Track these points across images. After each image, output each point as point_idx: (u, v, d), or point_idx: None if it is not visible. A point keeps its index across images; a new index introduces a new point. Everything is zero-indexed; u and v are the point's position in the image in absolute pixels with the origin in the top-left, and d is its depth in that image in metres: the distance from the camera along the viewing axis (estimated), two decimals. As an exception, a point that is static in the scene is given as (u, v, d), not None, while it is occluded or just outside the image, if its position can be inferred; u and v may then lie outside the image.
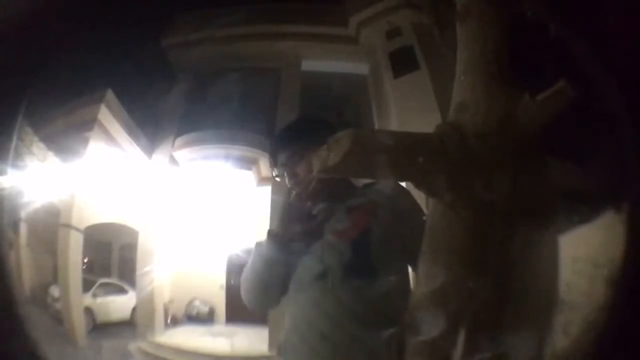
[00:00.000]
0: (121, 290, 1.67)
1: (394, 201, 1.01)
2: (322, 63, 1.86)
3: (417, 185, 0.79)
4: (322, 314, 0.95)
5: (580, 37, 0.75)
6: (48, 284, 1.43)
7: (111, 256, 1.72)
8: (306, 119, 1.24)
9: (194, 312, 1.73)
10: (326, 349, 0.93)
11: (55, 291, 1.44)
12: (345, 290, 0.94)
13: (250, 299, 1.07)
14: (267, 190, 1.68)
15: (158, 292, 1.66)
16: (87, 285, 1.61)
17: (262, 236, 1.12)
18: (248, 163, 1.81)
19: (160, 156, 1.84)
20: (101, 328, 1.61)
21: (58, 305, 1.43)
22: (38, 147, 1.24)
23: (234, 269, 1.69)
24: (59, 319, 1.42)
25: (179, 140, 1.85)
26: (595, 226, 0.79)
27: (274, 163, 1.14)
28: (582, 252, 0.80)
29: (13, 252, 1.16)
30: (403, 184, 1.05)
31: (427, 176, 0.75)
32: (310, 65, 1.84)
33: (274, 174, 1.13)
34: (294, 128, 1.17)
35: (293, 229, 1.02)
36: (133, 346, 1.53)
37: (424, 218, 0.85)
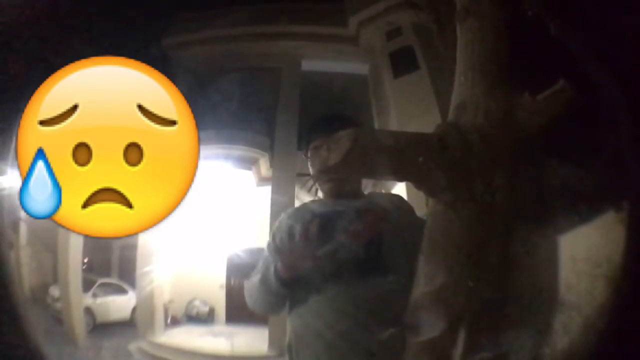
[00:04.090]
0: (121, 290, 1.67)
1: (399, 213, 1.03)
2: (322, 63, 1.86)
3: (417, 185, 0.79)
4: (340, 313, 0.95)
5: (580, 37, 0.75)
6: (48, 284, 1.43)
7: (111, 256, 1.72)
8: (346, 117, 1.25)
9: (194, 312, 1.72)
10: (345, 347, 0.93)
11: (55, 291, 1.43)
12: (361, 287, 0.95)
13: (257, 310, 1.10)
14: (267, 190, 1.68)
15: (158, 292, 1.66)
16: (87, 285, 1.60)
17: (262, 237, 1.12)
18: (248, 163, 1.80)
19: (160, 156, 1.84)
20: (101, 328, 1.60)
21: (58, 305, 1.42)
22: (38, 147, 1.24)
23: (234, 269, 1.69)
24: (59, 319, 1.42)
25: (179, 140, 1.85)
26: (595, 226, 0.79)
27: (305, 146, 1.16)
28: (582, 252, 0.80)
29: (13, 252, 1.16)
30: (401, 185, 1.06)
31: (427, 176, 0.75)
32: (310, 65, 1.84)
33: (304, 155, 1.15)
34: (335, 120, 1.16)
35: (300, 267, 0.99)
36: (133, 346, 1.53)
37: (424, 219, 0.86)
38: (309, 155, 1.14)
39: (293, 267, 0.99)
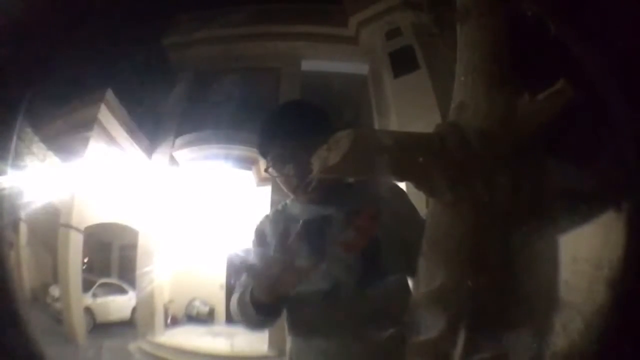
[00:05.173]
0: (121, 290, 1.67)
1: (392, 203, 0.96)
2: (322, 63, 1.85)
3: (417, 185, 0.79)
4: (341, 330, 0.90)
5: (580, 37, 0.75)
6: (48, 284, 1.43)
7: (111, 256, 1.72)
8: (300, 107, 1.07)
9: (194, 312, 1.72)
10: None
11: (55, 291, 1.43)
12: (361, 302, 0.90)
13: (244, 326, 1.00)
14: (267, 190, 1.68)
15: (158, 292, 1.66)
16: (87, 285, 1.60)
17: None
18: (248, 163, 1.80)
19: (160, 156, 1.84)
20: (101, 328, 1.60)
21: (58, 305, 1.42)
22: (38, 147, 1.24)
23: (234, 269, 1.69)
24: (59, 319, 1.42)
25: (179, 140, 1.85)
26: (595, 226, 0.79)
27: (262, 156, 1.01)
28: (582, 252, 0.80)
29: (13, 252, 1.16)
30: (401, 184, 1.04)
31: (427, 176, 0.75)
32: (310, 65, 1.83)
33: (265, 168, 1.01)
34: (290, 120, 1.00)
35: (280, 290, 0.86)
36: (133, 346, 1.53)
37: (423, 218, 0.85)
38: (270, 165, 0.98)
39: (271, 289, 0.86)
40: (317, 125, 0.94)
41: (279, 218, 1.03)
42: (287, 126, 0.98)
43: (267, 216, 1.06)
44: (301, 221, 0.88)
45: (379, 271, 0.91)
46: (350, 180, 1.03)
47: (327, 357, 0.91)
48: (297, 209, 1.01)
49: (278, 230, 0.96)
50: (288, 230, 0.88)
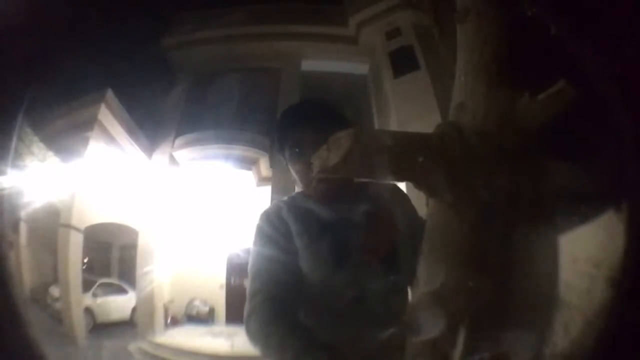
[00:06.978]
0: (121, 290, 1.67)
1: (398, 205, 0.98)
2: (322, 63, 1.86)
3: (417, 185, 0.79)
4: (364, 332, 0.90)
5: (580, 37, 0.75)
6: (48, 284, 1.43)
7: (111, 256, 1.72)
8: (319, 100, 1.10)
9: (194, 312, 1.72)
10: None
11: (55, 291, 1.43)
12: (384, 307, 0.91)
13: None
14: (267, 190, 1.68)
15: (158, 292, 1.66)
16: (87, 285, 1.60)
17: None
18: (248, 163, 1.80)
19: (160, 156, 1.84)
20: (101, 328, 1.60)
21: (58, 305, 1.42)
22: (38, 147, 1.24)
23: (234, 269, 1.69)
24: (59, 319, 1.42)
25: (179, 140, 1.85)
26: (595, 226, 0.79)
27: (280, 148, 1.02)
28: (582, 252, 0.80)
29: (13, 252, 1.16)
30: (401, 184, 1.04)
31: (427, 176, 0.75)
32: (310, 65, 1.84)
33: (282, 157, 1.01)
34: (311, 108, 1.03)
35: None
36: (133, 346, 1.53)
37: (424, 218, 0.85)
38: (286, 157, 1.00)
39: None
40: (336, 116, 0.97)
41: (298, 212, 1.00)
42: (309, 113, 1.01)
43: (278, 205, 1.03)
44: (321, 218, 0.91)
45: (398, 275, 0.92)
46: (359, 185, 1.03)
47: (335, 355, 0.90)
48: (311, 205, 1.00)
49: (302, 226, 0.96)
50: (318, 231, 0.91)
